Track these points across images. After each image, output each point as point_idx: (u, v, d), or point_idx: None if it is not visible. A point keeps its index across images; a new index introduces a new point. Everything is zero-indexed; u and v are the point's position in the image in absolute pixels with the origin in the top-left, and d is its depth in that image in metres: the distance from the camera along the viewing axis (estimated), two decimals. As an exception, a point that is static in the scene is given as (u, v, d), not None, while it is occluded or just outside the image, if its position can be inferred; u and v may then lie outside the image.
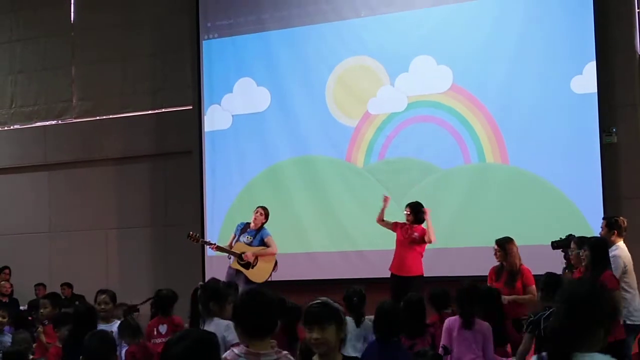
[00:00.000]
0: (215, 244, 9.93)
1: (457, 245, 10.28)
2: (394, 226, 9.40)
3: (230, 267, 9.71)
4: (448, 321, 6.40)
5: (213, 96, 11.99)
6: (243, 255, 9.54)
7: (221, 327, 5.38)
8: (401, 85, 10.83)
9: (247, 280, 9.49)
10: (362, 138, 11.03)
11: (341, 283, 8.98)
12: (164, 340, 7.22)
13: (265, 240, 9.70)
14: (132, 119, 13.17)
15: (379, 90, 10.95)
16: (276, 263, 9.74)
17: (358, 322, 6.62)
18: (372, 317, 6.98)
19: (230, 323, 4.50)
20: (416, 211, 9.20)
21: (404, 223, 9.29)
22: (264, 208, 9.88)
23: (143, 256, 12.99)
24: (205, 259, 11.65)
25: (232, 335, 4.85)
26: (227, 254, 9.75)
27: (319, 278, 10.68)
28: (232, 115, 11.85)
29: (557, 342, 2.82)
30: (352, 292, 6.88)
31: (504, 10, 10.45)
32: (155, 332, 7.07)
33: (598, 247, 6.83)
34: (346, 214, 11.03)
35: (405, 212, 9.28)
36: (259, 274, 9.59)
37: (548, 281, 6.30)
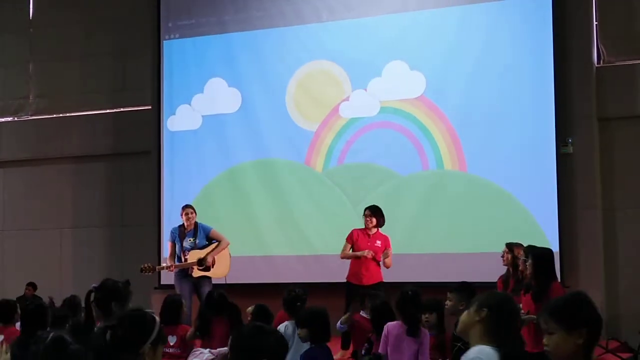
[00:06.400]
0: (172, 266, 9.65)
1: (415, 252, 10.30)
2: (350, 241, 9.10)
3: (177, 278, 9.62)
4: (387, 327, 6.13)
5: (175, 96, 11.89)
6: (204, 261, 9.47)
7: None
8: (372, 90, 10.79)
9: (211, 282, 9.50)
10: (322, 142, 11.02)
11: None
12: (172, 351, 6.88)
13: (210, 235, 9.66)
14: (90, 117, 13.00)
15: (352, 95, 10.90)
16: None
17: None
18: None
19: None
20: (378, 214, 9.06)
21: (363, 229, 9.11)
22: (189, 206, 9.86)
23: (98, 257, 12.83)
24: (161, 261, 11.53)
25: None
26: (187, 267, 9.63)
27: (276, 281, 10.64)
28: (202, 116, 11.77)
29: None
30: (295, 297, 6.81)
31: (463, 21, 10.51)
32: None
33: (542, 258, 6.29)
34: (304, 218, 11.01)
35: (365, 216, 9.10)
36: (220, 270, 9.61)
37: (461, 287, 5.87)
